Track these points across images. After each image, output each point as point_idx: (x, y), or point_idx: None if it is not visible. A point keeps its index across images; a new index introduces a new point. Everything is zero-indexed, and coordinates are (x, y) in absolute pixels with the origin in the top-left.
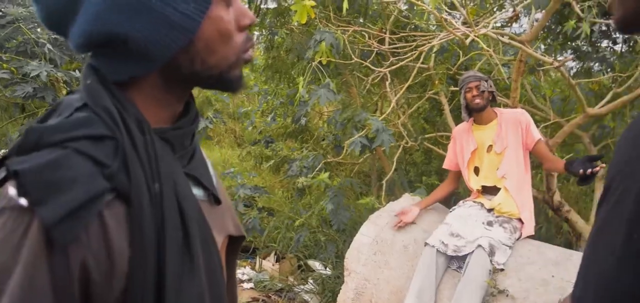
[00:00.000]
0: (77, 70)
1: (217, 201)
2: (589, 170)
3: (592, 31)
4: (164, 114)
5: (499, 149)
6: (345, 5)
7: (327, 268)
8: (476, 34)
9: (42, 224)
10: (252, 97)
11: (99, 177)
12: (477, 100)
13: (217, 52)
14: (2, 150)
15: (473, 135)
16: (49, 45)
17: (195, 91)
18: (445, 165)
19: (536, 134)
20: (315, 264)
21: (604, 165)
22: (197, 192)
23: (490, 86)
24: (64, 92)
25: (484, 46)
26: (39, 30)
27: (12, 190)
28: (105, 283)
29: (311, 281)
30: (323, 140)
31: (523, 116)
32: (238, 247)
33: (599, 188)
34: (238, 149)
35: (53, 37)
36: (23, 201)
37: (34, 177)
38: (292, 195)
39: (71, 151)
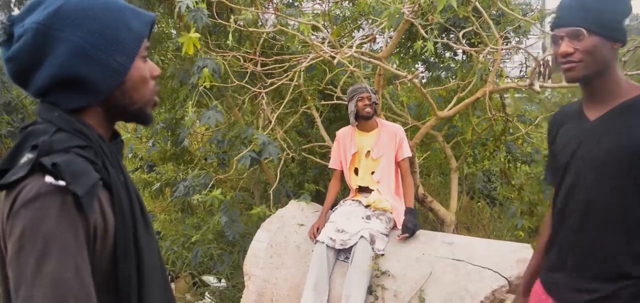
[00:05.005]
0: None
1: None
2: (405, 234)
3: (436, 45)
4: (106, 134)
5: (376, 155)
6: (230, 38)
7: (222, 281)
8: (342, 57)
9: (76, 196)
10: (124, 125)
11: (93, 170)
12: (368, 109)
13: (138, 91)
14: None
15: (355, 140)
16: None
17: None
18: (331, 165)
19: (406, 152)
20: (210, 279)
21: (407, 235)
22: None
23: (377, 99)
24: None
25: (348, 64)
26: None
27: (48, 178)
28: (102, 240)
29: (208, 295)
30: (205, 159)
31: (400, 131)
32: None
33: (454, 180)
34: None
35: None
36: (61, 183)
37: (65, 168)
38: (176, 218)
39: (74, 154)
